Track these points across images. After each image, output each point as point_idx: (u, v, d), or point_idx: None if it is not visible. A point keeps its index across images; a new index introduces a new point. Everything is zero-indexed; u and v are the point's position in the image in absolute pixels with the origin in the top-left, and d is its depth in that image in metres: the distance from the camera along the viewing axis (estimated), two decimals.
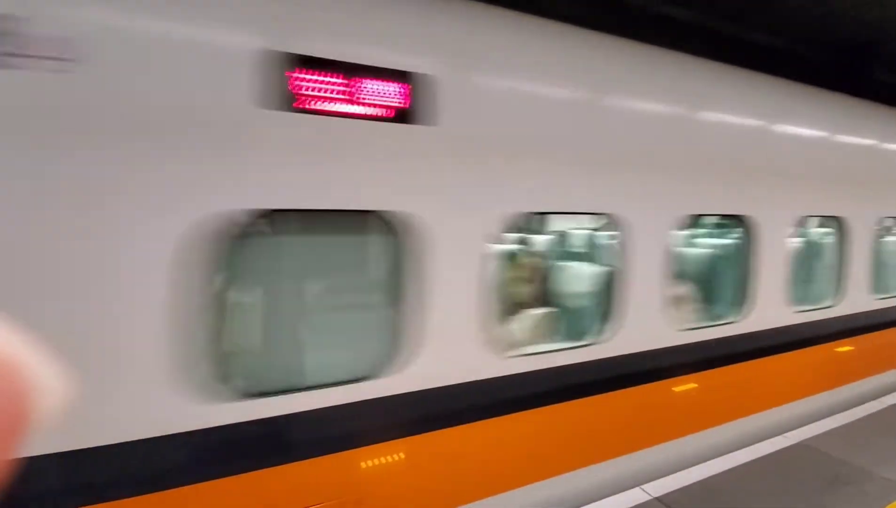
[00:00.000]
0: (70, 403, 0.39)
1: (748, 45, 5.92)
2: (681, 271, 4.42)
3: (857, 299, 5.23)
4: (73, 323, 1.98)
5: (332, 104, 2.32)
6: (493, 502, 2.98)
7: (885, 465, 3.78)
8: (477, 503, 2.93)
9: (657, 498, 3.29)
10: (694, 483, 3.47)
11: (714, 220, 5.13)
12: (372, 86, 2.40)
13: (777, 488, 3.48)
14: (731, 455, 3.86)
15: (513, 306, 3.92)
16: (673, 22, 5.39)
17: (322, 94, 2.29)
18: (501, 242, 3.07)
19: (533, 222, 5.33)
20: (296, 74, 2.23)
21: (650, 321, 3.62)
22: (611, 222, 3.47)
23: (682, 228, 3.81)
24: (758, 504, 3.30)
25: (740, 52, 5.06)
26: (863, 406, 4.90)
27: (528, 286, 4.21)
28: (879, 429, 4.44)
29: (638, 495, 3.33)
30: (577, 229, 4.83)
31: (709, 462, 3.74)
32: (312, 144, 2.34)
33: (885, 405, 4.95)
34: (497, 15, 2.91)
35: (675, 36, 4.70)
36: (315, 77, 2.27)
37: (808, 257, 5.43)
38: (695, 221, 4.38)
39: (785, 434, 4.23)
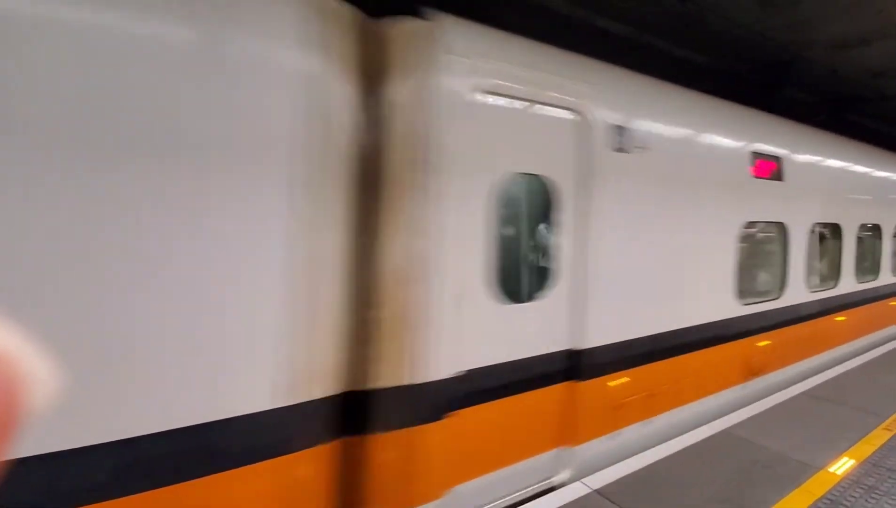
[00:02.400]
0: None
1: (677, 60, 6.31)
2: None
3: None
4: None
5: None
6: None
7: (797, 449, 4.13)
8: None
9: (596, 491, 3.39)
10: (630, 474, 3.61)
11: None
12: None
13: (705, 473, 3.69)
14: (664, 444, 4.06)
15: None
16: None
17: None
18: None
19: None
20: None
21: None
22: None
23: None
24: (688, 489, 3.49)
25: (668, 66, 5.36)
26: (774, 396, 5.32)
27: None
28: (791, 415, 4.84)
29: (579, 488, 3.41)
30: None
31: (644, 453, 3.91)
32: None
33: (792, 395, 5.41)
34: None
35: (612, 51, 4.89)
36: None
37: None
38: None
39: (710, 424, 4.50)
